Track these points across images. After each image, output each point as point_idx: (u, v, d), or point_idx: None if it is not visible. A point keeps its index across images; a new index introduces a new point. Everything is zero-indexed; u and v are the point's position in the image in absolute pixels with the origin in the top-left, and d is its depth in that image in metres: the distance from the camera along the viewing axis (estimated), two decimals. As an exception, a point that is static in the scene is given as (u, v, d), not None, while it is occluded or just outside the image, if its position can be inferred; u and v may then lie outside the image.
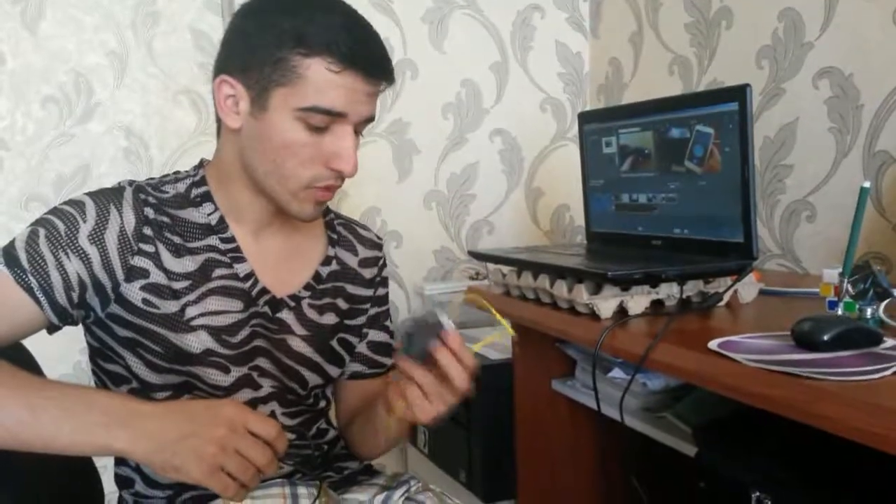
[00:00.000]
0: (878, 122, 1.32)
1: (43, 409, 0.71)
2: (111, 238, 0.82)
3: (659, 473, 1.17)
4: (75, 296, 0.81)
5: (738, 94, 1.06)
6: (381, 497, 0.95)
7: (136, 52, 1.67)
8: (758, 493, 0.88)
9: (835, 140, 1.39)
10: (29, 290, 0.78)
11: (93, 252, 0.81)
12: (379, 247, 1.03)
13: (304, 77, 0.78)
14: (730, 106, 1.07)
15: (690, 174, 1.16)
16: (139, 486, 0.91)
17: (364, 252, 1.00)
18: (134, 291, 0.83)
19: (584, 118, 1.40)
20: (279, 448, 0.73)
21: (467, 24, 1.94)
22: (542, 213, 2.07)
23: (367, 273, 1.00)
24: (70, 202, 0.83)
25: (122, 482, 0.93)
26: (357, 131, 0.84)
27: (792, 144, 1.48)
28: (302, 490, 0.89)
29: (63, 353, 1.59)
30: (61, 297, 0.80)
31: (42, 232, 0.80)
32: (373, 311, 1.01)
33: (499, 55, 1.98)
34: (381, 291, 1.02)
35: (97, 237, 0.81)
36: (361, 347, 1.01)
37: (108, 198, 0.84)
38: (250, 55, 0.80)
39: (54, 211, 0.83)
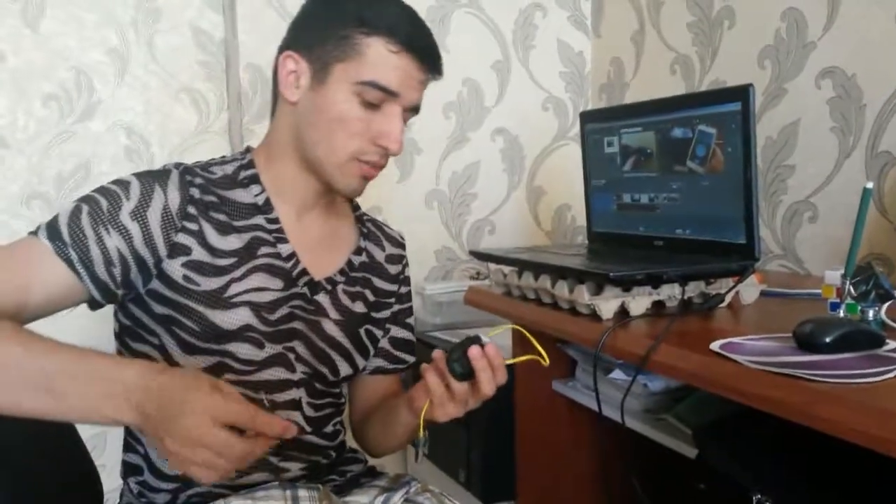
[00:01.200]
0: (881, 122, 1.31)
1: (56, 374, 0.70)
2: (154, 215, 0.84)
3: (660, 475, 1.17)
4: (118, 272, 0.82)
5: (741, 94, 1.06)
6: (381, 499, 0.95)
7: (136, 50, 1.67)
8: (758, 496, 0.87)
9: (837, 140, 1.39)
10: (69, 262, 0.80)
11: (134, 228, 0.83)
12: (403, 246, 1.07)
13: (364, 54, 0.84)
14: (732, 106, 1.07)
15: (693, 174, 1.15)
16: (147, 476, 0.91)
17: (390, 249, 1.04)
18: (175, 268, 0.85)
19: (586, 117, 1.40)
20: (266, 429, 0.70)
21: (469, 22, 1.93)
22: (543, 212, 2.07)
23: (393, 269, 1.03)
24: (116, 181, 0.86)
25: (131, 469, 0.93)
26: (403, 118, 0.88)
27: (794, 145, 1.47)
28: (303, 493, 0.89)
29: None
30: (102, 273, 0.81)
31: (85, 208, 0.82)
32: (396, 307, 1.04)
33: (500, 54, 1.98)
34: (404, 289, 1.06)
35: (139, 214, 0.83)
36: (384, 342, 1.03)
37: (154, 177, 0.86)
38: (315, 32, 0.87)
39: (100, 189, 0.85)
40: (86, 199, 0.84)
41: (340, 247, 0.98)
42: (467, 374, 0.81)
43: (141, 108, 1.68)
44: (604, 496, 1.43)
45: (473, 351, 0.80)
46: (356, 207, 1.04)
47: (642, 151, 1.25)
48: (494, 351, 0.81)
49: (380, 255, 1.02)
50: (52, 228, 0.81)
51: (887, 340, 0.80)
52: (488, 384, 0.82)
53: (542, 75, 2.03)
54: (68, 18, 1.61)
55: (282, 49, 0.90)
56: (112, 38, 1.65)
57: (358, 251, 0.99)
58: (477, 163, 1.98)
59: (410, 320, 1.07)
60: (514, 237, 2.02)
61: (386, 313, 1.02)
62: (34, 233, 0.82)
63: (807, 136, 1.45)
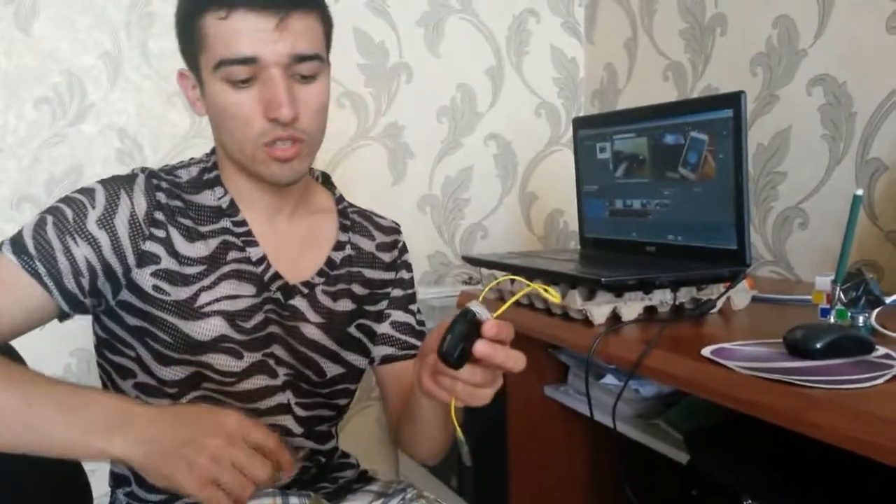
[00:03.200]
0: (870, 129, 1.32)
1: (38, 404, 0.69)
2: (121, 223, 0.82)
3: (651, 480, 1.17)
4: (85, 282, 0.80)
5: (733, 100, 1.06)
6: (376, 505, 0.94)
7: (130, 54, 1.66)
8: (749, 501, 0.87)
9: (828, 147, 1.40)
10: (37, 275, 0.78)
11: (102, 237, 0.81)
12: (397, 231, 1.03)
13: (206, 36, 0.79)
14: (724, 113, 1.08)
15: (684, 180, 1.16)
16: (134, 487, 0.90)
17: (381, 237, 1.00)
18: (145, 277, 0.83)
19: (579, 123, 1.40)
20: (281, 460, 0.70)
21: (463, 28, 1.94)
22: (535, 218, 2.07)
23: (387, 256, 0.99)
24: (81, 190, 0.84)
25: (117, 480, 0.92)
26: (298, 74, 0.80)
27: (785, 151, 1.48)
28: (294, 500, 0.88)
29: (54, 353, 1.57)
30: (70, 283, 0.79)
31: (50, 219, 0.80)
32: (395, 293, 1.00)
33: (494, 59, 1.98)
34: (404, 275, 1.01)
35: (106, 222, 0.81)
36: (385, 328, 0.99)
37: (119, 183, 0.84)
38: (180, 39, 0.83)
39: (64, 199, 0.83)
40: (50, 211, 0.81)
41: (319, 245, 0.94)
42: (461, 353, 0.65)
43: (134, 112, 1.68)
44: (595, 501, 1.43)
45: (481, 349, 0.64)
46: (340, 200, 0.99)
47: (634, 158, 1.25)
48: (495, 330, 0.66)
49: (369, 246, 0.98)
50: (16, 243, 0.79)
51: (877, 346, 0.80)
52: (513, 364, 0.68)
53: (535, 81, 2.03)
54: (61, 21, 1.61)
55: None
56: (105, 41, 1.64)
57: (339, 246, 0.94)
58: (470, 168, 1.98)
59: (414, 306, 1.02)
60: (506, 242, 2.02)
61: (382, 303, 0.98)
62: None
63: (798, 143, 1.46)
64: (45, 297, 0.79)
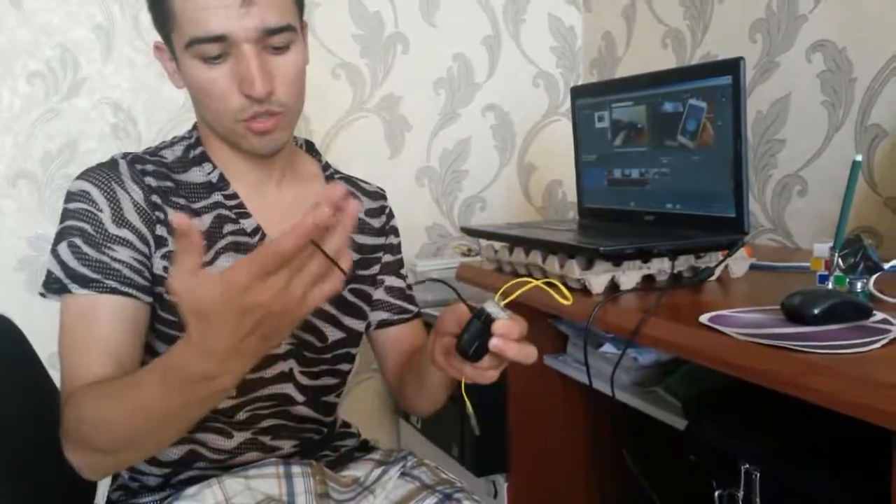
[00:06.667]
0: (870, 95, 1.31)
1: (146, 414, 0.67)
2: (131, 215, 0.82)
3: (649, 447, 1.18)
4: (147, 272, 0.82)
5: (732, 67, 1.05)
6: (377, 472, 0.95)
7: (122, 26, 1.64)
8: (747, 466, 0.88)
9: (827, 114, 1.39)
10: (115, 291, 0.79)
11: (125, 234, 0.81)
12: (383, 197, 1.04)
13: (176, 14, 0.77)
14: (723, 80, 1.07)
15: (683, 149, 1.15)
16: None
17: (369, 203, 1.01)
18: (157, 261, 0.83)
19: (577, 92, 1.39)
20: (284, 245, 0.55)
21: (459, -3, 1.92)
22: (534, 188, 2.07)
23: (376, 222, 1.01)
24: (74, 197, 0.82)
25: None
26: (270, 46, 0.78)
27: (784, 119, 1.47)
28: (296, 469, 0.90)
29: (56, 330, 1.58)
30: (137, 279, 0.81)
31: (77, 241, 0.80)
32: (386, 259, 1.01)
33: (491, 29, 1.96)
34: (393, 240, 1.03)
35: (120, 220, 0.82)
36: (380, 294, 1.01)
37: (106, 177, 0.83)
38: (151, 14, 0.83)
39: (69, 215, 0.82)
40: (67, 234, 0.81)
41: None
42: (484, 353, 0.71)
43: (127, 86, 1.66)
44: (595, 468, 1.45)
45: (496, 345, 0.69)
46: (326, 167, 1.00)
47: (633, 126, 1.25)
48: (504, 330, 0.69)
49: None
50: (74, 278, 0.79)
51: (875, 311, 0.81)
52: (524, 357, 0.71)
53: (532, 51, 2.02)
54: (52, -6, 1.59)
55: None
56: (97, 14, 1.62)
57: None
58: (468, 139, 1.97)
59: (404, 270, 1.04)
60: (505, 213, 2.02)
61: (376, 268, 1.00)
62: (48, 293, 0.80)
63: (797, 110, 1.45)
64: (134, 305, 0.80)
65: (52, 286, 0.80)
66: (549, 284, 0.75)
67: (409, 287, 1.05)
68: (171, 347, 0.63)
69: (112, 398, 0.70)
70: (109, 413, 0.69)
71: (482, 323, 0.70)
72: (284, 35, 0.79)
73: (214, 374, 0.60)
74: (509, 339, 0.69)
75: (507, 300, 0.72)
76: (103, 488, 0.95)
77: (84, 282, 0.79)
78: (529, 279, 0.75)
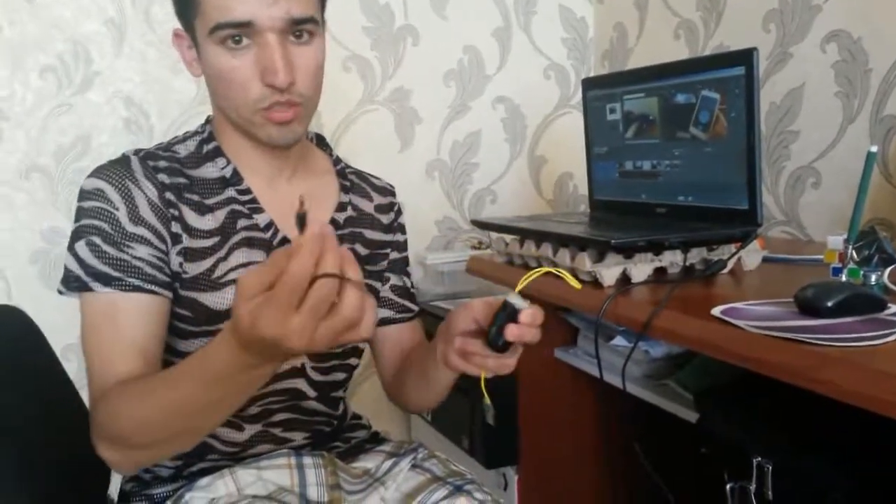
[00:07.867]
0: (886, 86, 1.30)
1: (189, 408, 0.68)
2: (146, 213, 0.82)
3: (661, 440, 1.18)
4: (167, 268, 0.82)
5: (745, 58, 1.04)
6: (388, 463, 0.96)
7: (134, 20, 1.65)
8: (759, 459, 0.88)
9: (842, 105, 1.38)
10: (138, 288, 0.79)
11: (142, 231, 0.81)
12: (392, 193, 1.04)
13: (202, 0, 0.78)
14: (736, 70, 1.06)
15: (695, 140, 1.15)
16: None
17: (379, 199, 1.01)
18: (173, 257, 0.84)
19: (588, 84, 1.38)
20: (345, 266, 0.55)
21: (469, -12, 1.91)
22: (545, 181, 2.06)
23: (385, 218, 1.01)
24: (88, 195, 0.82)
25: None
26: (295, 34, 0.79)
27: (798, 110, 1.46)
28: (308, 460, 0.90)
29: (69, 322, 1.59)
30: (158, 275, 0.81)
31: (96, 239, 0.80)
32: (393, 256, 1.02)
33: (501, 20, 1.95)
34: (400, 237, 1.03)
35: (136, 218, 0.82)
36: (385, 292, 1.01)
37: (120, 175, 0.83)
38: (175, 3, 0.83)
39: (84, 214, 0.82)
40: (84, 233, 0.80)
41: (322, 207, 0.94)
42: (499, 339, 0.75)
43: (139, 80, 1.67)
44: (605, 461, 1.45)
45: (513, 331, 0.74)
46: (337, 161, 1.00)
47: (645, 118, 1.24)
48: (530, 319, 0.73)
49: (368, 207, 0.99)
50: (95, 277, 0.79)
51: (889, 304, 0.80)
52: (536, 339, 0.75)
53: (543, 42, 2.00)
54: (63, -12, 1.59)
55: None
56: (108, 8, 1.63)
57: (341, 208, 0.95)
58: (478, 132, 1.97)
59: (408, 268, 1.05)
60: (515, 206, 2.02)
61: (383, 264, 1.00)
62: (66, 291, 0.80)
63: (811, 101, 1.44)
64: (157, 301, 0.81)
65: (72, 284, 0.80)
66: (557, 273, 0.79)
67: (413, 285, 1.05)
68: (207, 344, 0.64)
69: (149, 396, 0.70)
70: (146, 412, 0.70)
71: (507, 315, 0.74)
72: (308, 27, 0.80)
73: (257, 363, 0.61)
74: (534, 326, 0.73)
75: (518, 287, 0.75)
76: (116, 479, 0.96)
77: (106, 280, 0.79)
78: (538, 269, 0.77)
